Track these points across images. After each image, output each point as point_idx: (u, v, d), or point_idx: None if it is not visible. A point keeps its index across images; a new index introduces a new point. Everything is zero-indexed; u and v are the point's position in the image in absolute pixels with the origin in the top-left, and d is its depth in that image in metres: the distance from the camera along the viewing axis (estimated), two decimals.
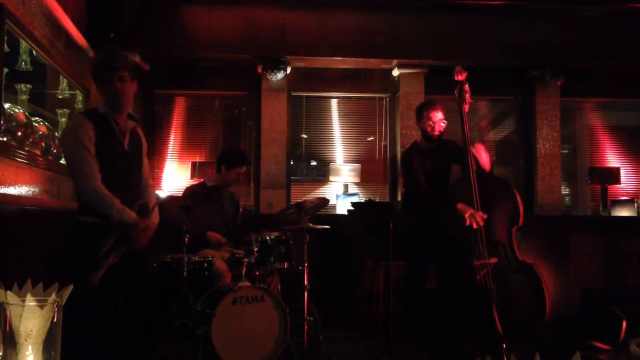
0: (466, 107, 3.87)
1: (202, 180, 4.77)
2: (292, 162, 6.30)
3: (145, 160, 3.08)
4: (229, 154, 4.68)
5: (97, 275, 2.67)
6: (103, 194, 2.74)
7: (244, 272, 3.77)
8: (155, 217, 2.96)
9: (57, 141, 4.25)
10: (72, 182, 2.82)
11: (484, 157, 3.85)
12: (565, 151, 6.57)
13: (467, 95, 3.86)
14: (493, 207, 3.74)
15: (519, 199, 3.79)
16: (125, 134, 2.89)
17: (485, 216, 3.65)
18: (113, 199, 2.74)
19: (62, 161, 4.50)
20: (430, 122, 4.01)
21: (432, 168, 4.05)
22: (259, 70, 5.92)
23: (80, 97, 5.09)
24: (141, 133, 3.05)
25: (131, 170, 2.94)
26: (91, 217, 2.76)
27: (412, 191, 4.17)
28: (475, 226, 3.62)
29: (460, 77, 3.88)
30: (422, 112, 4.08)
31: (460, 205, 3.69)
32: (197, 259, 3.90)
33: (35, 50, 3.92)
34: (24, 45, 3.85)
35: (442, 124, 4.04)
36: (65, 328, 1.05)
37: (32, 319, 1.00)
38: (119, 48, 3.02)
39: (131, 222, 2.76)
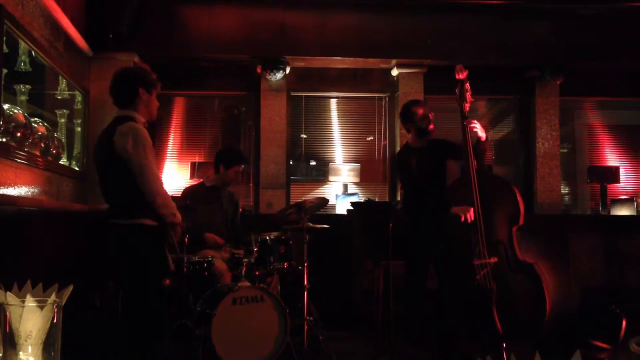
0: (467, 106, 3.86)
1: (201, 180, 4.77)
2: (291, 162, 6.30)
3: None
4: (226, 153, 4.68)
5: (168, 277, 3.10)
6: (169, 196, 3.05)
7: (243, 272, 3.77)
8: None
9: (56, 142, 4.25)
10: (142, 187, 2.95)
11: (478, 129, 3.84)
12: (565, 150, 6.57)
13: (468, 94, 3.86)
14: (493, 207, 3.74)
15: (519, 198, 3.79)
16: None
17: (473, 216, 3.66)
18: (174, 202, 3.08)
19: (62, 162, 4.51)
20: (423, 117, 4.04)
21: (425, 166, 4.06)
22: (258, 70, 5.92)
23: (79, 98, 5.09)
24: None
25: None
26: (151, 219, 3.00)
27: (408, 190, 4.18)
28: (463, 219, 3.63)
29: (461, 75, 3.88)
30: (411, 110, 4.11)
31: (454, 208, 3.71)
32: (196, 259, 3.90)
33: (35, 51, 3.92)
34: (23, 46, 3.85)
35: (431, 119, 4.08)
36: (65, 328, 1.05)
37: (32, 319, 1.00)
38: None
39: (180, 222, 3.08)
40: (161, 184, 3.03)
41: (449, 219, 3.73)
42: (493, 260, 3.62)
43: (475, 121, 3.87)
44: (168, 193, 3.04)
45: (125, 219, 3.00)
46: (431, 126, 4.07)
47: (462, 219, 3.63)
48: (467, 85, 3.87)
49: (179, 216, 3.05)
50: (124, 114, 3.08)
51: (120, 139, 2.95)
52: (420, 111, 4.07)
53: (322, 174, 6.36)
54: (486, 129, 6.54)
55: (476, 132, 3.84)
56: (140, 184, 2.94)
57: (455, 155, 4.07)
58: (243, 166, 4.71)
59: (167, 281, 3.18)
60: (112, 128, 3.02)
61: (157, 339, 3.11)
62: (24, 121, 3.64)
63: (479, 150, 3.89)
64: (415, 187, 4.05)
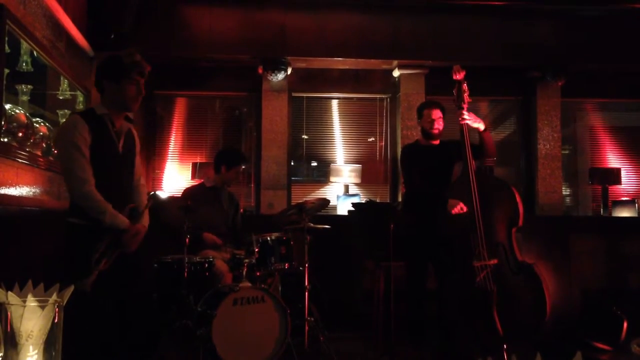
0: (465, 107, 3.86)
1: (201, 181, 4.78)
2: (292, 163, 6.30)
3: (138, 161, 3.07)
4: (228, 153, 4.68)
5: (89, 281, 2.64)
6: (96, 199, 2.71)
7: (244, 272, 3.77)
8: (145, 221, 2.94)
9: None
10: (65, 183, 2.80)
11: (469, 120, 3.83)
12: (566, 152, 6.56)
13: (466, 95, 3.85)
14: (492, 208, 3.74)
15: (518, 199, 3.79)
16: (121, 136, 2.89)
17: (465, 208, 3.68)
18: (106, 205, 2.73)
19: None
20: (429, 120, 4.04)
21: (431, 166, 4.06)
22: (260, 71, 5.92)
23: (81, 98, 5.10)
24: (136, 134, 3.05)
25: (123, 173, 2.93)
26: (82, 219, 2.73)
27: (410, 188, 4.18)
28: (454, 212, 3.65)
29: (459, 76, 3.86)
30: (421, 111, 4.14)
31: (451, 201, 3.72)
32: (197, 260, 3.90)
33: (36, 51, 3.92)
34: (24, 46, 3.85)
35: (441, 123, 4.07)
36: (65, 329, 1.06)
37: (33, 319, 1.00)
38: (137, 50, 3.00)
39: (123, 228, 2.75)
40: (79, 183, 2.70)
41: (449, 220, 3.73)
42: (493, 261, 3.62)
43: (466, 112, 3.84)
44: (92, 194, 2.70)
45: (66, 215, 2.82)
46: (434, 130, 4.07)
47: (454, 211, 3.65)
48: (465, 86, 3.86)
49: (115, 221, 2.72)
50: (91, 106, 2.99)
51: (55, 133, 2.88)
52: (429, 113, 4.07)
53: (323, 174, 6.36)
54: (487, 130, 6.56)
55: (468, 124, 3.83)
56: (64, 179, 2.80)
57: (461, 157, 4.07)
58: (244, 166, 4.72)
59: (87, 286, 2.60)
60: None
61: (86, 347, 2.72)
62: (26, 121, 3.64)
63: (484, 144, 3.89)
64: (420, 186, 4.05)
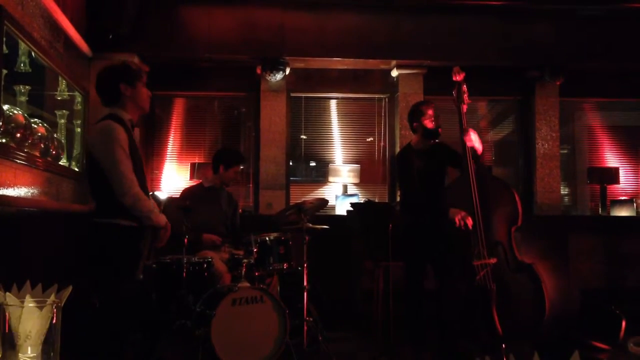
0: (464, 108, 3.86)
1: (200, 181, 4.78)
2: (291, 163, 6.30)
3: None
4: (226, 153, 4.69)
5: (140, 274, 2.93)
6: (145, 199, 2.92)
7: (243, 272, 3.77)
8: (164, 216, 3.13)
9: (56, 142, 4.25)
10: (113, 186, 2.86)
11: (475, 141, 3.84)
12: (565, 151, 6.57)
13: (465, 96, 3.86)
14: (492, 208, 3.74)
15: (517, 198, 3.79)
16: (136, 141, 3.09)
17: (471, 222, 3.65)
18: (153, 204, 2.96)
19: (62, 162, 4.51)
20: (432, 118, 4.03)
21: (426, 170, 4.05)
22: (258, 71, 5.92)
23: (79, 99, 5.09)
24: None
25: (144, 174, 3.12)
26: (126, 220, 2.89)
27: (407, 194, 4.18)
28: (463, 228, 3.63)
29: (458, 77, 3.87)
30: (420, 109, 4.10)
31: (451, 210, 3.71)
32: (196, 260, 3.90)
33: (34, 52, 3.91)
34: (22, 46, 3.84)
35: (438, 122, 4.08)
36: (65, 329, 1.06)
37: (31, 320, 1.00)
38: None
39: (162, 225, 2.97)
40: (131, 184, 2.88)
41: (448, 220, 3.73)
42: (492, 261, 3.62)
43: (472, 132, 3.85)
44: (140, 194, 2.91)
45: (102, 217, 2.93)
46: (439, 129, 4.07)
47: (457, 224, 3.63)
48: (464, 87, 3.86)
49: (158, 219, 2.95)
50: (109, 112, 3.03)
51: (93, 137, 2.95)
52: (430, 111, 4.06)
53: (321, 174, 6.36)
54: (486, 129, 6.58)
55: (472, 145, 3.83)
56: (111, 184, 2.87)
57: (454, 162, 4.07)
58: (242, 166, 4.72)
59: (129, 290, 2.90)
60: (93, 127, 3.04)
61: (107, 349, 2.91)
62: (24, 122, 3.64)
63: (477, 164, 3.88)
64: (415, 189, 4.05)
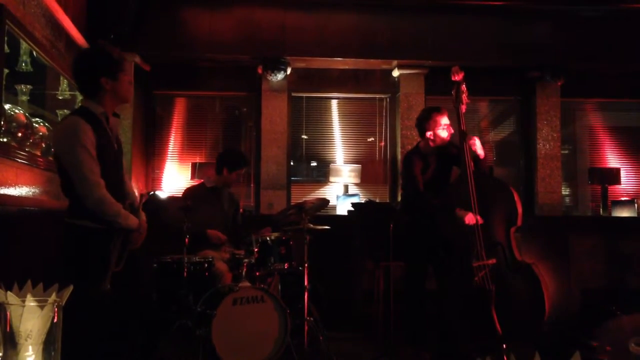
0: (463, 108, 3.85)
1: (202, 181, 4.78)
2: (292, 163, 6.30)
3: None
4: (230, 155, 4.67)
5: (108, 282, 2.70)
6: (110, 202, 2.70)
7: (244, 272, 3.77)
8: (143, 216, 2.93)
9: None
10: (75, 188, 2.69)
11: (478, 146, 3.83)
12: (566, 152, 6.57)
13: (464, 96, 3.84)
14: (491, 208, 3.74)
15: (516, 199, 3.79)
16: (113, 133, 2.87)
17: (481, 221, 3.65)
18: (119, 207, 2.74)
19: None
20: (444, 127, 3.98)
21: (434, 172, 4.04)
22: (259, 71, 5.92)
23: (80, 98, 5.09)
24: (119, 128, 3.02)
25: (119, 169, 2.92)
26: (92, 222, 2.70)
27: (411, 196, 4.16)
28: (473, 225, 3.63)
29: (457, 77, 3.85)
30: (432, 117, 4.00)
31: (458, 211, 3.70)
32: (197, 260, 3.90)
33: (36, 51, 3.92)
34: (24, 46, 3.85)
35: (451, 129, 4.03)
36: (65, 329, 1.06)
37: (32, 319, 1.00)
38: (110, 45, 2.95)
39: (134, 227, 2.78)
40: (92, 187, 2.67)
41: (448, 221, 3.73)
42: (491, 261, 3.62)
43: (476, 138, 3.85)
44: (105, 196, 2.69)
45: (72, 218, 2.74)
46: (448, 138, 4.03)
47: (466, 222, 3.63)
48: (464, 87, 3.84)
49: (127, 222, 2.75)
50: (82, 105, 2.83)
51: (55, 136, 2.74)
52: (441, 119, 3.98)
53: (322, 174, 6.36)
54: (487, 130, 6.58)
55: (475, 150, 3.83)
56: (75, 186, 2.68)
57: (459, 159, 4.06)
58: (245, 168, 4.73)
59: (107, 288, 2.69)
60: (60, 122, 2.85)
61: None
62: (25, 121, 3.64)
63: (477, 168, 3.87)
64: (421, 192, 4.02)
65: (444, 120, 3.98)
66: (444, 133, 3.98)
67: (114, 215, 2.70)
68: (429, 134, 4.02)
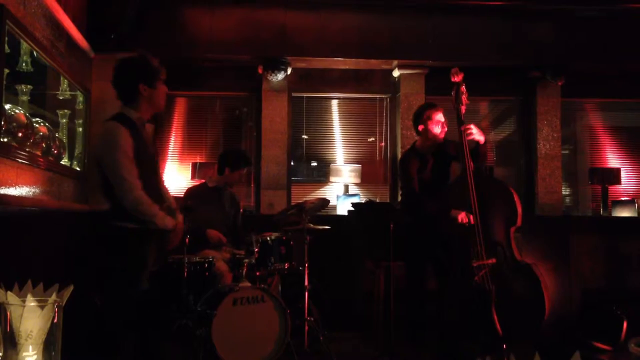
0: (463, 109, 3.86)
1: (203, 181, 4.78)
2: (292, 163, 6.30)
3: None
4: (233, 155, 4.67)
5: (147, 282, 2.88)
6: (147, 203, 2.85)
7: (244, 272, 3.78)
8: (180, 217, 3.11)
9: (57, 142, 4.25)
10: (114, 190, 2.83)
11: (475, 132, 3.82)
12: (566, 152, 6.57)
13: (464, 97, 3.85)
14: (490, 208, 3.74)
15: (516, 199, 3.79)
16: (150, 138, 3.06)
17: (473, 222, 3.65)
18: (156, 208, 2.88)
19: (63, 162, 4.51)
20: (439, 123, 4.00)
21: (431, 171, 4.04)
22: (260, 71, 5.92)
23: (81, 98, 5.10)
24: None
25: (157, 173, 3.10)
26: (132, 223, 2.84)
27: (408, 196, 4.17)
28: (466, 223, 3.63)
29: (457, 78, 3.86)
30: (425, 114, 4.05)
31: (453, 212, 3.70)
32: (197, 260, 3.90)
33: (36, 51, 3.92)
34: (24, 46, 3.85)
35: (445, 127, 4.04)
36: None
37: (32, 319, 1.00)
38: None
39: (170, 228, 2.92)
40: (130, 188, 2.83)
41: (448, 221, 3.73)
42: (491, 261, 3.62)
43: (472, 125, 3.85)
44: (144, 198, 2.84)
45: (113, 220, 2.89)
46: (442, 134, 4.04)
47: (459, 221, 3.64)
48: (463, 88, 3.85)
49: (164, 222, 2.89)
50: (119, 111, 2.97)
51: (97, 140, 2.91)
52: (436, 115, 4.02)
53: (323, 174, 6.36)
54: (487, 130, 6.57)
55: (473, 137, 3.83)
56: (114, 188, 2.84)
57: (458, 158, 4.06)
58: (247, 169, 4.73)
59: (137, 294, 2.87)
60: (102, 127, 2.98)
61: (110, 352, 2.90)
62: (26, 121, 3.64)
63: (479, 154, 3.88)
64: (416, 194, 4.03)
65: (438, 116, 4.01)
66: (436, 129, 4.00)
67: (151, 215, 2.85)
68: (420, 127, 4.06)
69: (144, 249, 2.90)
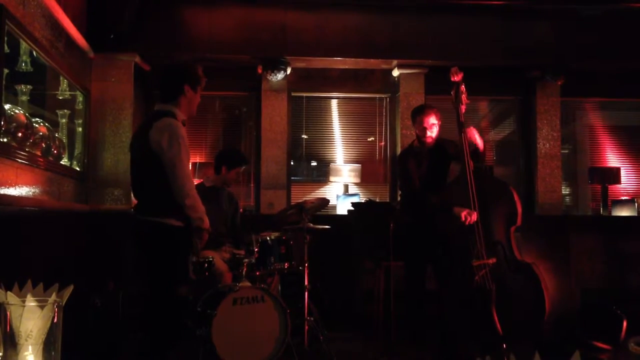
0: (463, 108, 3.85)
1: (201, 181, 4.78)
2: (292, 163, 6.30)
3: None
4: (228, 154, 4.68)
5: (193, 275, 3.05)
6: (199, 198, 2.94)
7: (244, 272, 3.78)
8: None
9: (57, 142, 4.25)
10: (172, 185, 2.86)
11: (477, 139, 3.83)
12: (566, 151, 6.57)
13: (464, 96, 3.84)
14: (490, 208, 3.74)
15: (516, 198, 3.79)
16: None
17: (475, 218, 3.65)
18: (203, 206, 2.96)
19: (63, 162, 4.51)
20: (421, 127, 3.99)
21: (428, 169, 4.04)
22: (259, 70, 5.92)
23: (80, 98, 5.10)
24: None
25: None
26: (177, 220, 2.91)
27: (408, 194, 4.17)
28: (468, 222, 3.63)
29: (457, 77, 3.85)
30: (414, 117, 4.08)
31: (456, 209, 3.70)
32: (197, 260, 3.90)
33: (36, 51, 3.92)
34: (24, 46, 3.85)
35: (435, 129, 4.00)
36: (66, 328, 1.06)
37: (32, 319, 1.00)
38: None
39: (206, 227, 2.97)
40: (192, 185, 2.95)
41: (448, 220, 3.73)
42: (491, 261, 3.62)
43: (473, 129, 3.85)
44: (196, 193, 2.93)
45: (153, 216, 2.92)
46: (427, 139, 4.02)
47: (462, 219, 3.64)
48: (463, 87, 3.84)
49: (206, 221, 2.96)
50: (164, 108, 3.03)
51: (156, 134, 2.87)
52: (421, 120, 3.99)
53: (322, 174, 6.36)
54: (487, 129, 6.57)
55: (474, 142, 3.82)
56: (171, 182, 2.86)
57: (457, 157, 4.05)
58: (244, 167, 4.72)
59: (184, 290, 2.98)
60: (149, 122, 2.98)
61: (167, 348, 2.97)
62: (25, 121, 3.64)
63: (478, 158, 3.88)
64: (417, 190, 4.04)
65: (429, 120, 3.97)
66: (423, 132, 3.99)
67: (202, 212, 2.93)
68: (415, 131, 4.12)
69: (189, 246, 2.97)
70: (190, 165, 2.92)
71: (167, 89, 3.09)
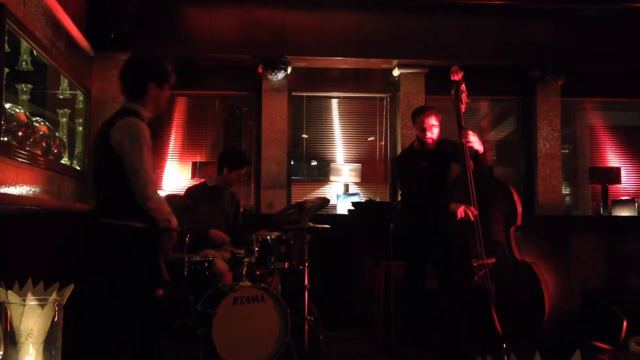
0: (463, 107, 3.85)
1: (203, 180, 4.78)
2: (292, 162, 6.30)
3: None
4: (231, 155, 4.67)
5: (167, 277, 2.90)
6: (165, 201, 2.82)
7: (244, 272, 3.78)
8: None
9: (58, 141, 4.25)
10: (134, 186, 2.72)
11: (475, 142, 3.81)
12: (566, 151, 6.56)
13: (464, 95, 3.84)
14: (490, 207, 3.74)
15: (516, 198, 3.78)
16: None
17: (476, 212, 3.65)
18: (168, 205, 2.83)
19: (63, 161, 4.51)
20: (421, 128, 4.00)
21: (428, 170, 4.04)
22: (260, 70, 5.92)
23: (81, 97, 5.10)
24: None
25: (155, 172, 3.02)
26: (139, 222, 2.75)
27: (407, 193, 4.17)
28: (466, 218, 3.62)
29: (457, 76, 3.85)
30: (414, 118, 4.10)
31: (452, 205, 3.71)
32: (197, 259, 3.91)
33: (36, 51, 3.92)
34: (24, 45, 3.85)
35: (435, 130, 4.01)
36: (66, 328, 1.06)
37: (32, 318, 1.00)
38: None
39: (175, 227, 2.85)
40: (154, 187, 2.79)
41: (448, 220, 3.73)
42: (491, 261, 3.62)
43: (471, 133, 3.83)
44: (161, 196, 2.80)
45: (114, 218, 2.77)
46: (427, 140, 4.02)
47: (459, 216, 3.64)
48: (463, 87, 3.84)
49: (174, 221, 2.82)
50: (129, 107, 2.87)
51: (117, 133, 2.72)
52: (421, 121, 4.01)
53: (323, 174, 6.36)
54: (487, 129, 6.57)
55: (472, 146, 3.81)
56: (132, 185, 2.71)
57: (458, 159, 4.05)
58: (246, 168, 4.73)
59: (160, 292, 2.83)
60: (112, 121, 2.83)
61: (154, 351, 2.84)
62: (26, 120, 3.64)
63: (478, 161, 3.87)
64: (417, 190, 4.04)
65: (429, 121, 3.99)
66: (423, 133, 4.00)
67: (168, 213, 2.79)
68: (415, 131, 4.12)
69: (158, 247, 2.84)
70: (151, 167, 2.75)
71: (130, 87, 2.88)
